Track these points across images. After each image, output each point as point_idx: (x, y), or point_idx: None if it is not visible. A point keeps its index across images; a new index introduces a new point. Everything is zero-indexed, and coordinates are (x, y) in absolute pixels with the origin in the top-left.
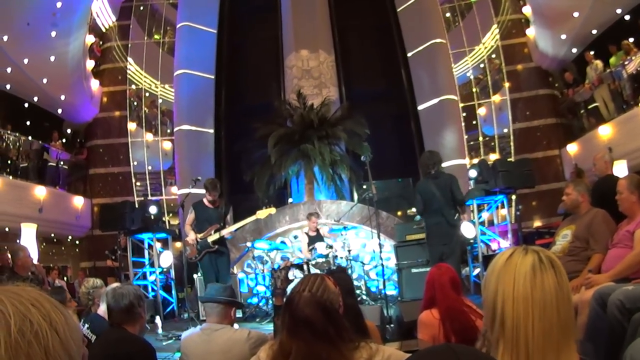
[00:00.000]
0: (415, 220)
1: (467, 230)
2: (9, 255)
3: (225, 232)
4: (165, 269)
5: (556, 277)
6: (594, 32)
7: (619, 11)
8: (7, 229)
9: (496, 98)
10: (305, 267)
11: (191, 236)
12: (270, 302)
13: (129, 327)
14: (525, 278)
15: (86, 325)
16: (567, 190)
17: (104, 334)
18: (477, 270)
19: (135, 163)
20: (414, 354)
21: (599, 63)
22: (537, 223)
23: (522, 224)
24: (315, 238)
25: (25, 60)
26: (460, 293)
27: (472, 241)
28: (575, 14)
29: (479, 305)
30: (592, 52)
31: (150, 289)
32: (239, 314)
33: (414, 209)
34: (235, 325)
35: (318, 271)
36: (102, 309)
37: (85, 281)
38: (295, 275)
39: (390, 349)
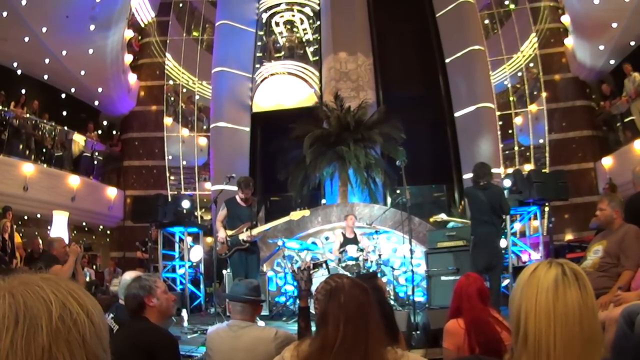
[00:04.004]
0: (447, 227)
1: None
2: (40, 241)
3: (256, 231)
4: (194, 263)
5: (580, 290)
6: (632, 43)
7: None
8: (38, 216)
9: (533, 108)
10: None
11: (221, 234)
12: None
13: (147, 316)
14: (547, 292)
15: (110, 315)
16: (601, 206)
17: (127, 323)
18: (506, 282)
19: (170, 157)
20: None
21: (636, 75)
22: (569, 236)
23: (553, 237)
24: (350, 240)
25: (64, 52)
26: (488, 304)
27: (503, 252)
28: (614, 25)
29: (505, 317)
30: (630, 64)
31: (178, 282)
32: (266, 312)
33: (441, 215)
34: (261, 323)
35: (348, 273)
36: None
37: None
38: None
39: (415, 355)
